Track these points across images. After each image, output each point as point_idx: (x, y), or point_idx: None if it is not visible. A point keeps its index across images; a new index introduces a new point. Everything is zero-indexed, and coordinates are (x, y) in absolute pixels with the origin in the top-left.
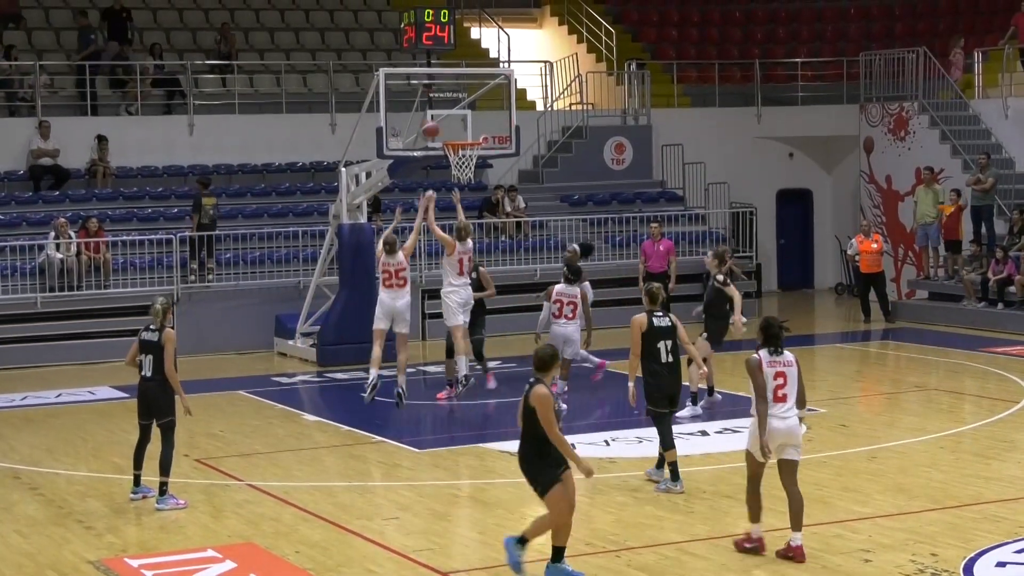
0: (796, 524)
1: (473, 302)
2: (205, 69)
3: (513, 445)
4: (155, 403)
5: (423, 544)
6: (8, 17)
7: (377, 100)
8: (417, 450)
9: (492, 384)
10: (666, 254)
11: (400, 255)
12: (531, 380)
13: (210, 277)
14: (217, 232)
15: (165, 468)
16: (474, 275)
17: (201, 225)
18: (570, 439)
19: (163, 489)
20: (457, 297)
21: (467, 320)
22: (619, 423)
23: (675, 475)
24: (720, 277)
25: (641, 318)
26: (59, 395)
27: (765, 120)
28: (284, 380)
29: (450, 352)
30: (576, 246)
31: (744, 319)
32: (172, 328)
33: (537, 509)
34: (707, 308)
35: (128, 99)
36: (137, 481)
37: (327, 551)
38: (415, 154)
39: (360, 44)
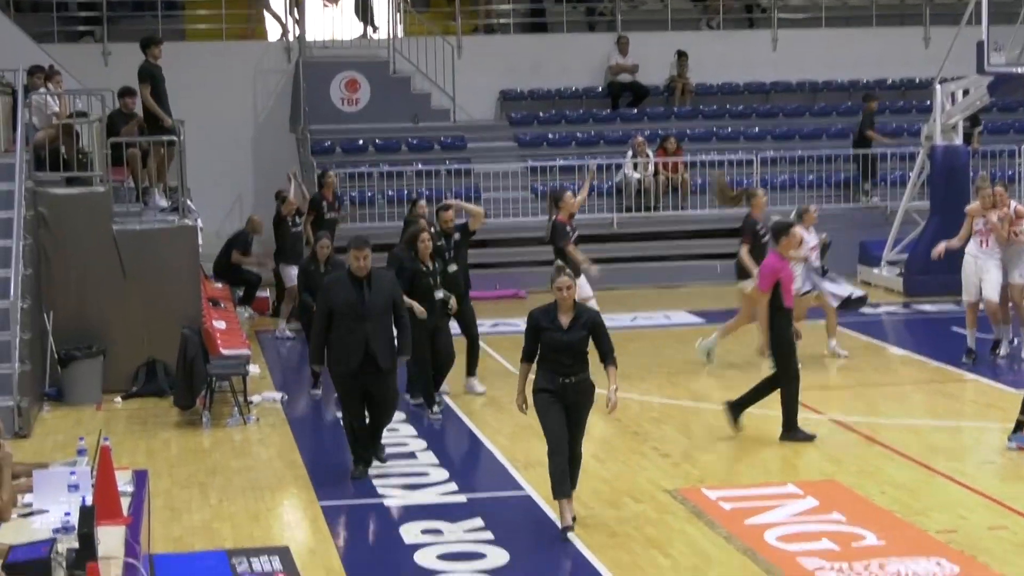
0: None
1: None
2: None
3: None
4: None
5: (1022, 491)
6: None
7: (978, 12)
8: (1015, 390)
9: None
10: None
11: None
12: None
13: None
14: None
15: None
16: None
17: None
18: None
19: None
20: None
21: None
22: None
23: None
24: None
25: None
26: (634, 318)
27: None
28: (868, 310)
29: None
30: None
31: None
32: None
33: None
34: None
35: (708, 13)
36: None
37: (914, 493)
38: (1019, 71)
39: None
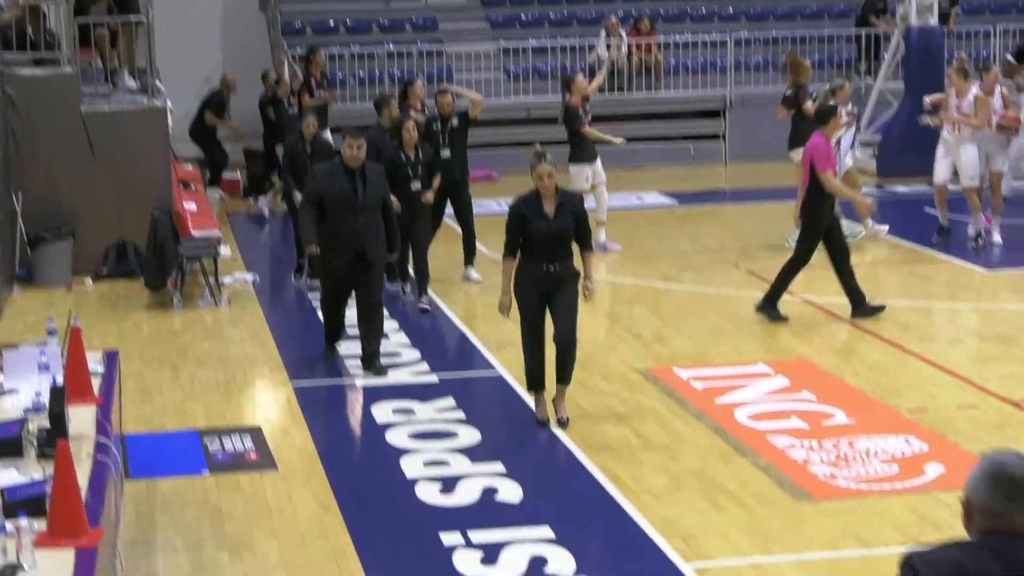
0: None
1: None
2: None
3: None
4: None
5: (993, 372)
6: None
7: None
8: (986, 271)
9: None
10: None
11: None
12: None
13: None
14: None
15: None
16: None
17: None
18: None
19: None
20: None
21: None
22: None
23: None
24: None
25: None
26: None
27: None
28: None
29: None
30: None
31: None
32: None
33: None
34: None
35: None
36: None
37: (885, 372)
38: None
39: None
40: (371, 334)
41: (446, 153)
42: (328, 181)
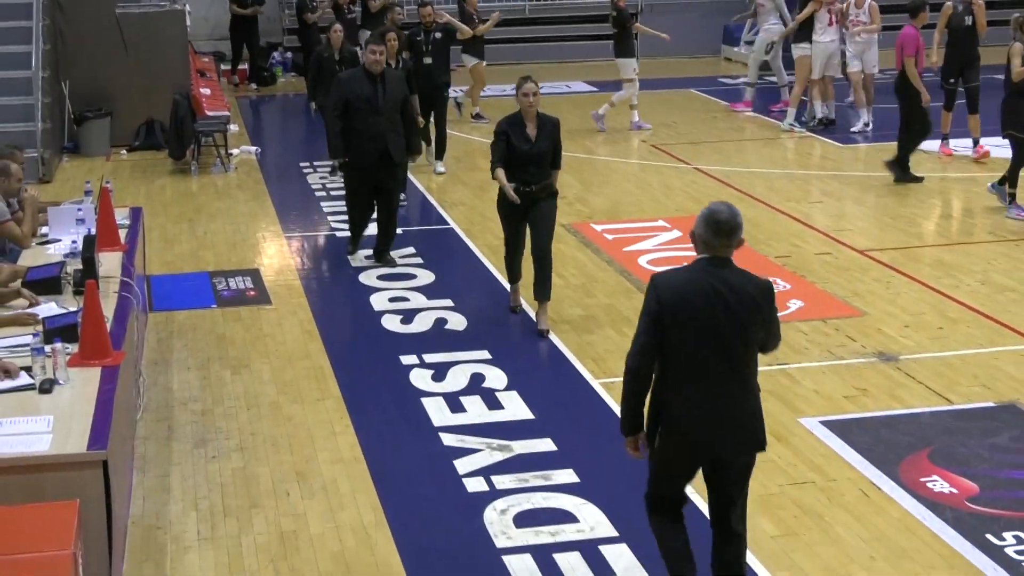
0: None
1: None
2: None
3: (931, 144)
4: None
5: (843, 226)
6: None
7: None
8: (841, 145)
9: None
10: None
11: None
12: None
13: None
14: None
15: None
16: None
17: None
18: None
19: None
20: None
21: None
22: None
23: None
24: None
25: None
26: (541, 87)
27: None
28: (728, 81)
29: None
30: None
31: None
32: None
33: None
34: None
35: None
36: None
37: (759, 226)
38: None
39: None
40: (387, 235)
41: (428, 60)
42: (351, 87)
